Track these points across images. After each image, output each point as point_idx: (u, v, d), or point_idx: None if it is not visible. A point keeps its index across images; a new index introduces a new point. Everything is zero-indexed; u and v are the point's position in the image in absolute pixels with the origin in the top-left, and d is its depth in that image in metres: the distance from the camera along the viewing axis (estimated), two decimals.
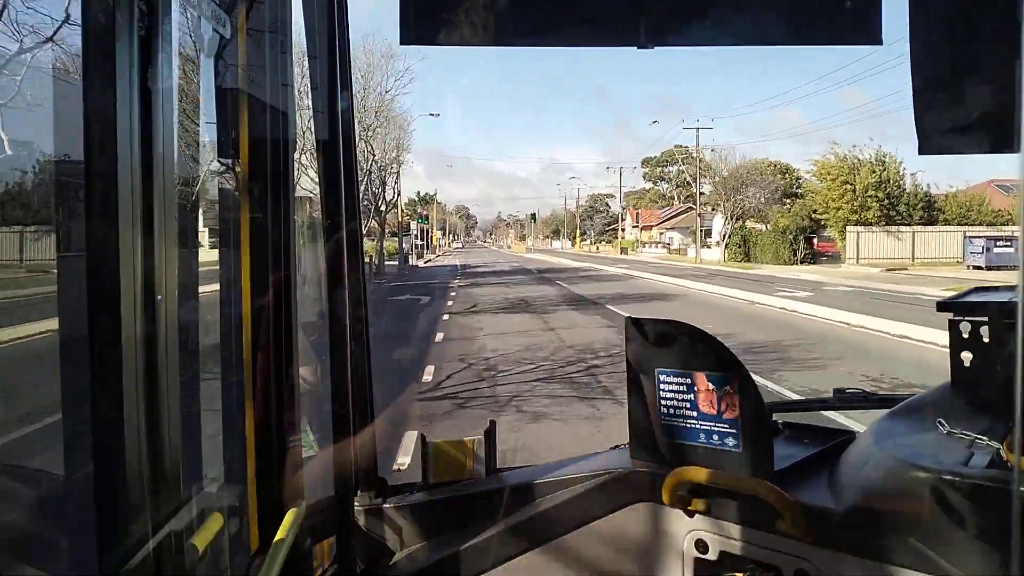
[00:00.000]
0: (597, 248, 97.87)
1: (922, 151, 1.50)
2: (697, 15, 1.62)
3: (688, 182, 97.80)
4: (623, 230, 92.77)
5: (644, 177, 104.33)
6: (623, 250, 78.18)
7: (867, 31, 1.61)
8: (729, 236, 50.97)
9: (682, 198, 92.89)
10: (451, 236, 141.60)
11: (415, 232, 56.71)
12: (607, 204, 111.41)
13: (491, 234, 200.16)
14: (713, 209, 58.38)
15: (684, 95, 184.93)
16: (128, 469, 0.94)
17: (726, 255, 50.09)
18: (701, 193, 58.76)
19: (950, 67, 1.50)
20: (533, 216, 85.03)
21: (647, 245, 77.58)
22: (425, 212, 75.44)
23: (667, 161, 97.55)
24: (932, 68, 1.53)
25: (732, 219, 51.83)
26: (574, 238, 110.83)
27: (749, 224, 52.49)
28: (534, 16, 1.61)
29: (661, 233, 79.01)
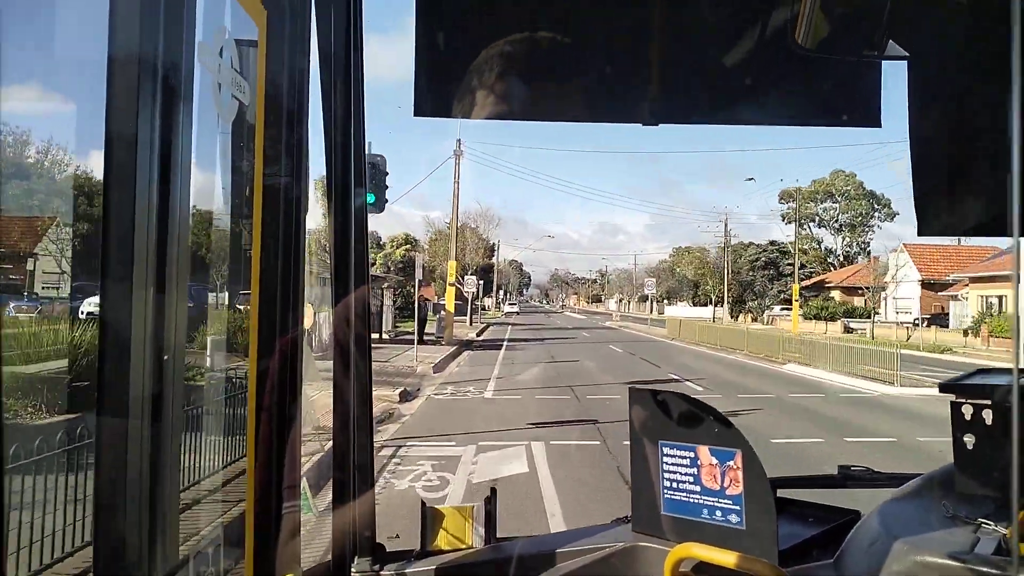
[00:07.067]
0: (848, 330, 46.81)
1: (921, 232, 1.54)
2: (700, 96, 1.68)
3: (854, 225, 68.81)
4: (881, 291, 49.21)
5: (783, 218, 71.79)
6: None
7: (866, 115, 1.66)
8: None
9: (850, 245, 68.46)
10: (501, 293, 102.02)
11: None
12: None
13: (547, 294, 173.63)
14: None
15: (735, 160, 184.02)
16: (128, 529, 0.94)
17: None
18: None
19: (948, 154, 1.55)
20: None
21: None
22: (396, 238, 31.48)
23: (818, 195, 70.97)
24: (930, 155, 1.57)
25: None
26: (735, 305, 65.42)
27: None
28: (542, 93, 1.66)
29: None
